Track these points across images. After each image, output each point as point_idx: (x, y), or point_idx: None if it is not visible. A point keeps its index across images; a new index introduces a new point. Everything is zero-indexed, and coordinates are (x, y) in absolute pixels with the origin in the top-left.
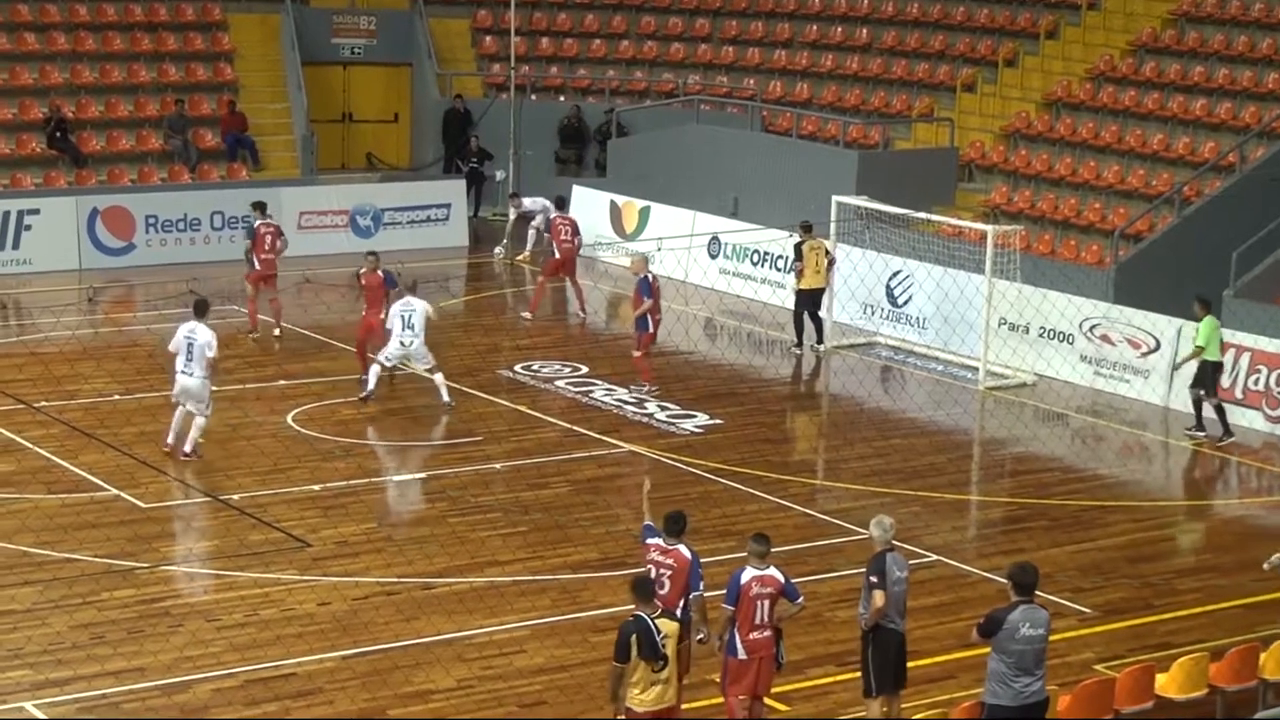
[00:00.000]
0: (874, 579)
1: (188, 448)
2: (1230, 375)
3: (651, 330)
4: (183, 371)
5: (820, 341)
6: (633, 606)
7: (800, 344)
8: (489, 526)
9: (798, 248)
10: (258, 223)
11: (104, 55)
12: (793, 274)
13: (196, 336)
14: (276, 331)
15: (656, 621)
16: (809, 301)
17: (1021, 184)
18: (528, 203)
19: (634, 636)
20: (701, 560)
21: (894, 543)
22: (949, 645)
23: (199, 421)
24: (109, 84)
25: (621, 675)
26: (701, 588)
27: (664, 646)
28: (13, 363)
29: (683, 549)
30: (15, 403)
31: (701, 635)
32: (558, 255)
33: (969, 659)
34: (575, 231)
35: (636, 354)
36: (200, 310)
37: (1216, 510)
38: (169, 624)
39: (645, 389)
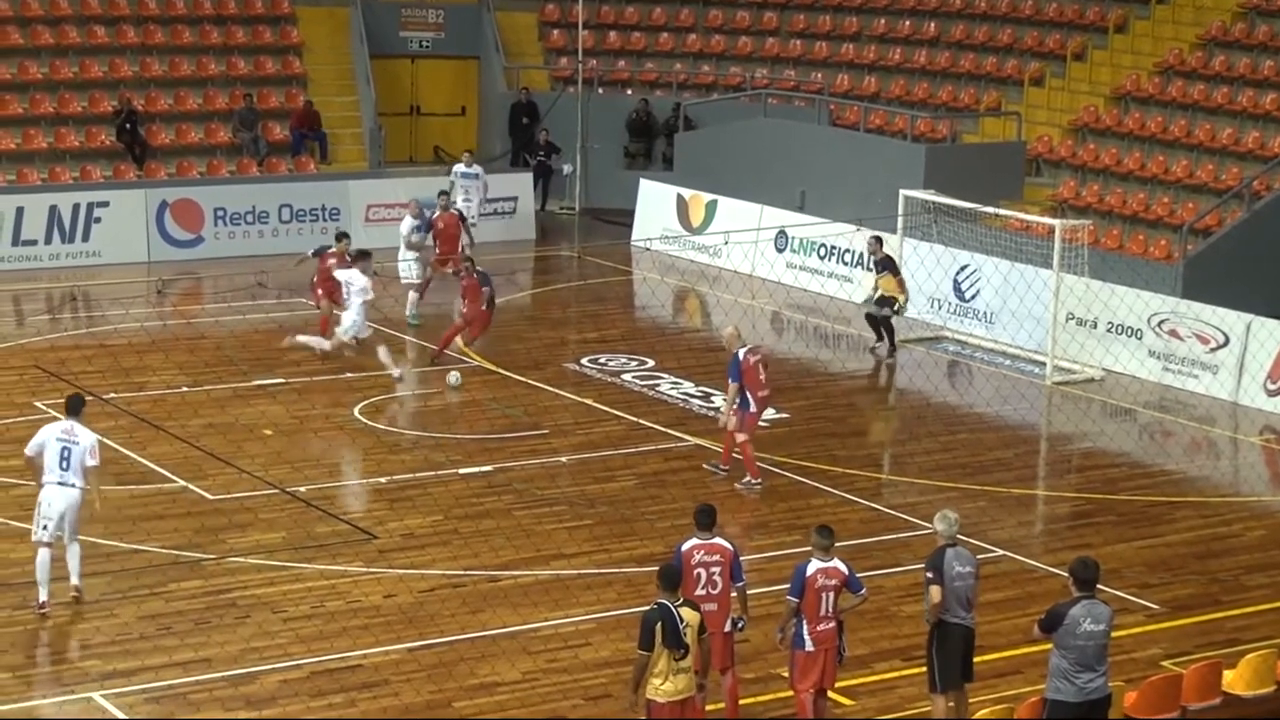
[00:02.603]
0: (930, 574)
1: (78, 580)
2: None
3: (755, 410)
4: (60, 483)
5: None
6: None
7: (894, 348)
8: (555, 519)
9: (892, 260)
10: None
11: (173, 48)
12: (894, 284)
13: (77, 439)
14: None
15: (679, 610)
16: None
17: (1089, 178)
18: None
19: (659, 624)
20: (768, 554)
21: (959, 537)
22: (1015, 640)
23: (77, 549)
24: (178, 77)
25: (645, 664)
26: (745, 578)
27: (685, 635)
28: (82, 354)
29: (721, 541)
30: (84, 394)
31: (742, 624)
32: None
33: (1035, 654)
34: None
35: (741, 438)
36: (75, 407)
37: None
38: (235, 615)
39: (753, 484)
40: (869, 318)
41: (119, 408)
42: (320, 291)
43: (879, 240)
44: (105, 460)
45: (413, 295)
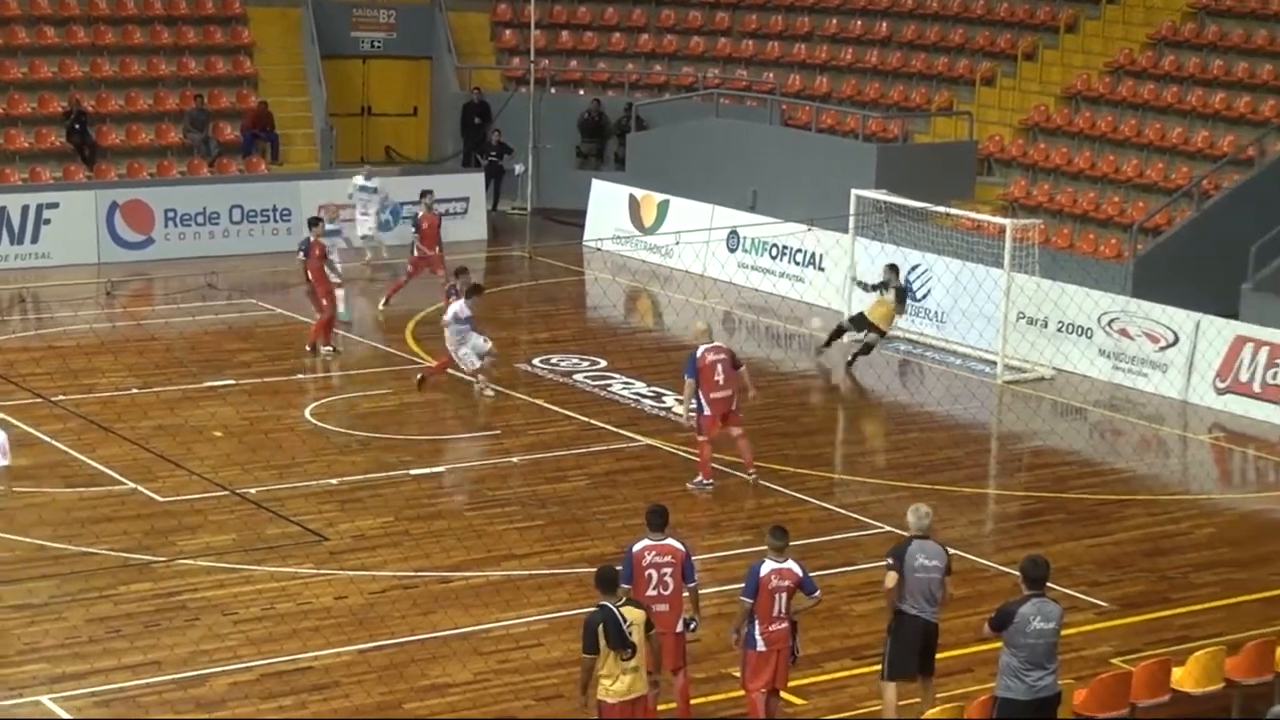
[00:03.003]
0: (890, 560)
1: None
2: (1249, 369)
3: (709, 412)
4: None
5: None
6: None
7: (829, 345)
8: (506, 520)
9: (904, 292)
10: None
11: (123, 49)
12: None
13: None
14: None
15: (622, 610)
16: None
17: (1040, 178)
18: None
19: (600, 626)
20: (721, 554)
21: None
22: (965, 639)
23: None
24: (128, 78)
25: (591, 667)
26: (697, 579)
27: (631, 634)
28: (30, 356)
29: (673, 541)
30: (33, 396)
31: (694, 624)
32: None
33: (986, 653)
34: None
35: (701, 438)
36: None
37: (1234, 504)
38: (185, 618)
39: (704, 484)
40: (840, 329)
41: (68, 409)
42: (317, 286)
43: (894, 270)
44: (54, 463)
45: (343, 292)
